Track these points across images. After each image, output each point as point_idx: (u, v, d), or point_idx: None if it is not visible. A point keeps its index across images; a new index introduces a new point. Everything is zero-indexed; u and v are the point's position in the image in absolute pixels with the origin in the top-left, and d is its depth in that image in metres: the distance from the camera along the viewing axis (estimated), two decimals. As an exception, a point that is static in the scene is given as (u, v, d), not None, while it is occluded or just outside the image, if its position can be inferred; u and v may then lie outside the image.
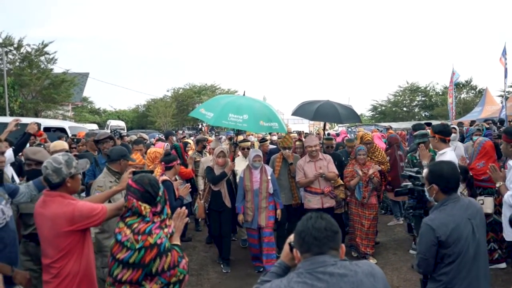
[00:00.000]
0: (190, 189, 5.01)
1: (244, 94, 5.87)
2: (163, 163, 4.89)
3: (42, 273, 2.67)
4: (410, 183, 3.81)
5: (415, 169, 4.17)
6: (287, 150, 6.39)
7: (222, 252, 6.07)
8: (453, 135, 5.73)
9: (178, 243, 2.61)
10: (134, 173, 3.35)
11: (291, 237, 1.90)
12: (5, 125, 9.89)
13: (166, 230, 2.47)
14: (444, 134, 4.59)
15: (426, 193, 3.03)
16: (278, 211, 5.80)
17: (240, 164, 6.42)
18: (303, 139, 7.60)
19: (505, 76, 15.22)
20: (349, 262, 1.73)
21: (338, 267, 1.67)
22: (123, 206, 2.71)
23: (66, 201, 2.62)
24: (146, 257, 2.31)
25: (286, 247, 1.96)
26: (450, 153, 4.53)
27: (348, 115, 6.97)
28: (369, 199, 6.11)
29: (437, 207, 2.82)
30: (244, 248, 6.81)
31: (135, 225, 2.39)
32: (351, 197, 6.31)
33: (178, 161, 5.05)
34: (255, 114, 5.28)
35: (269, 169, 5.93)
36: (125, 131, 25.61)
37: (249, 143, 7.00)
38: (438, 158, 4.66)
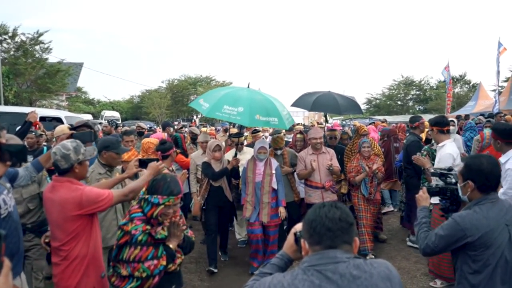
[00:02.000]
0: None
1: (248, 86, 5.54)
2: (159, 152, 4.69)
3: (51, 255, 2.75)
4: (441, 182, 3.46)
5: (447, 166, 3.85)
6: (280, 150, 6.07)
7: (221, 242, 5.92)
8: (451, 127, 5.77)
9: (171, 245, 2.70)
10: (139, 161, 3.42)
11: (297, 227, 1.75)
12: (0, 114, 9.92)
13: (148, 227, 2.57)
14: (441, 125, 4.59)
15: (459, 191, 2.71)
16: (281, 209, 5.48)
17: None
18: (303, 131, 7.58)
19: (497, 71, 15.43)
20: (363, 260, 1.52)
21: (351, 267, 1.46)
22: (129, 192, 2.82)
23: (74, 187, 2.69)
24: (120, 240, 2.55)
25: (290, 238, 1.78)
26: (450, 145, 4.55)
27: (348, 106, 6.80)
28: (375, 194, 5.97)
29: (470, 206, 2.51)
30: (239, 248, 6.54)
31: (134, 202, 2.63)
32: (355, 192, 6.09)
33: (175, 149, 4.98)
34: (252, 107, 4.98)
35: (274, 163, 5.61)
36: (120, 122, 25.61)
37: (242, 138, 6.69)
38: (438, 151, 4.67)
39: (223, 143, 6.97)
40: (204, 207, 5.68)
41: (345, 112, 7.03)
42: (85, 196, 2.64)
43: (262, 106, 5.11)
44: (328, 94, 6.84)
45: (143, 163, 3.37)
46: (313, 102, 6.68)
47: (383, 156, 6.91)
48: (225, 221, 5.85)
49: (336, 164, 5.89)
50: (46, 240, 3.15)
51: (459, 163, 4.59)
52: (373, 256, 5.77)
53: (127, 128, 9.29)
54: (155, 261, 2.55)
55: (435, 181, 4.56)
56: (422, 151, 5.87)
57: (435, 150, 5.31)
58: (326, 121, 8.36)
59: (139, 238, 2.50)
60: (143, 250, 2.51)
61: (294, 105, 7.18)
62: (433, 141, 5.33)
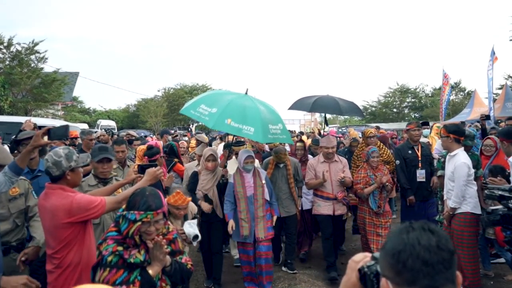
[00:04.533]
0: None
1: (246, 92, 5.05)
2: (146, 157, 4.80)
3: (46, 263, 2.72)
4: (500, 206, 2.81)
5: (507, 186, 3.24)
6: (283, 163, 5.71)
7: (213, 271, 5.34)
8: None
9: (151, 271, 2.38)
10: (139, 166, 3.38)
11: (358, 258, 1.29)
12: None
13: (120, 248, 2.31)
14: (458, 134, 4.59)
15: None
16: (274, 218, 5.14)
17: (233, 168, 5.58)
18: (305, 139, 7.32)
19: (491, 79, 15.55)
20: None
21: None
22: (123, 199, 2.74)
23: (65, 194, 2.67)
24: (96, 259, 2.38)
25: (352, 274, 1.28)
26: (463, 154, 4.56)
27: (349, 109, 6.53)
28: (384, 207, 5.50)
29: None
30: (236, 266, 6.01)
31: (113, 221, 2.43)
32: (362, 205, 5.63)
33: (161, 154, 5.00)
34: (226, 111, 4.42)
35: (263, 172, 5.22)
36: (116, 131, 25.57)
37: (243, 147, 6.16)
38: (450, 159, 4.66)
39: (220, 147, 6.88)
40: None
41: (347, 113, 6.76)
42: (76, 204, 2.61)
43: (240, 112, 4.49)
44: (327, 96, 6.63)
45: (143, 169, 3.32)
46: (312, 103, 6.43)
47: (394, 163, 6.49)
48: (216, 242, 5.26)
49: (348, 174, 5.58)
50: (23, 259, 3.11)
51: (473, 173, 4.60)
52: None
53: (118, 136, 8.88)
54: (124, 287, 2.26)
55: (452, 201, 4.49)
56: (440, 158, 5.74)
57: None
58: (326, 123, 7.96)
59: (108, 259, 2.28)
60: (111, 273, 2.25)
61: (291, 108, 6.86)
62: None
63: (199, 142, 7.66)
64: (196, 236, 3.63)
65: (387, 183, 5.44)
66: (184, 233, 3.62)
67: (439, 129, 9.39)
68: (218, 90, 5.08)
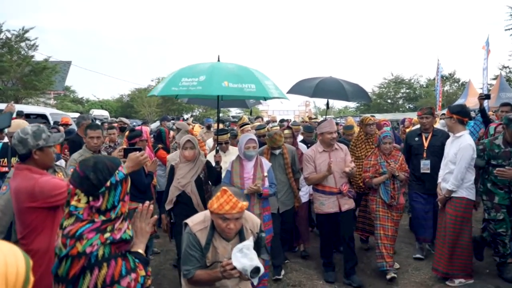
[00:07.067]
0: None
1: (218, 60, 4.38)
2: (126, 139, 4.83)
3: None
4: None
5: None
6: (278, 149, 5.12)
7: None
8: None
9: (140, 250, 1.98)
10: (124, 150, 3.16)
11: None
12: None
13: (107, 235, 1.79)
14: (462, 115, 4.47)
15: None
16: (266, 191, 4.38)
17: (231, 157, 5.09)
18: (296, 126, 6.93)
19: (485, 69, 15.47)
20: None
21: None
22: None
23: (30, 175, 2.48)
24: (72, 269, 1.73)
25: None
26: (468, 136, 4.46)
27: (355, 93, 5.94)
28: (398, 199, 4.92)
29: None
30: None
31: (66, 223, 1.82)
32: (373, 196, 5.04)
33: (142, 138, 4.87)
34: (218, 74, 3.85)
35: (266, 164, 4.55)
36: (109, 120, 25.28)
37: (227, 136, 5.67)
38: (454, 140, 4.54)
39: (210, 141, 6.62)
40: (172, 221, 4.44)
41: (353, 99, 6.18)
42: (39, 187, 2.41)
43: (231, 73, 3.96)
44: (331, 79, 6.03)
45: (127, 153, 3.09)
46: (315, 87, 5.84)
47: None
48: None
49: (351, 163, 4.86)
50: None
51: (475, 157, 4.50)
52: (394, 275, 4.84)
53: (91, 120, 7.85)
54: (133, 275, 1.81)
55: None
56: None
57: (498, 146, 4.65)
58: (327, 107, 7.40)
59: (100, 253, 1.74)
60: (111, 267, 1.75)
61: (291, 91, 6.22)
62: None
63: (178, 130, 6.91)
64: (257, 269, 2.33)
65: (398, 173, 4.86)
66: (234, 268, 2.37)
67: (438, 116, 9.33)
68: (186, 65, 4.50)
